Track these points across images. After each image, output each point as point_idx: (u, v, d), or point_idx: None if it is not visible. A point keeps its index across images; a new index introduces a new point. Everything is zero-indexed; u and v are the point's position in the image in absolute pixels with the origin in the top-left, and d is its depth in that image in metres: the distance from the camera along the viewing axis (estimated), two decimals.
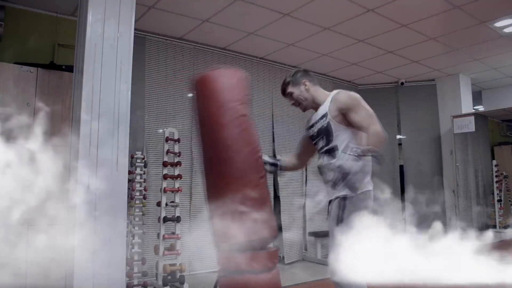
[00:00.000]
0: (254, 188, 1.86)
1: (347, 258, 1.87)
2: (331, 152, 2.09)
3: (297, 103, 2.28)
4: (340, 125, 2.07)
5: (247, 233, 1.78)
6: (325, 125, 2.10)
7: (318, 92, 2.25)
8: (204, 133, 1.97)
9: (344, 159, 1.95)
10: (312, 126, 2.22)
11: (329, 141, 2.10)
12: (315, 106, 2.23)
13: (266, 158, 2.18)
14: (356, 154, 1.89)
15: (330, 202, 2.13)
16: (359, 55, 5.64)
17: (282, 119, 5.73)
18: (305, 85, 2.23)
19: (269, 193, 2.01)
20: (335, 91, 2.19)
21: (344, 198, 2.01)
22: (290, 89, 2.26)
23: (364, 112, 2.01)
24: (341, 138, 2.06)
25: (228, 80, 1.94)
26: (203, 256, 4.51)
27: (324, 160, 2.13)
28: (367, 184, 2.05)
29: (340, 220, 2.00)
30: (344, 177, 1.96)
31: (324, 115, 2.12)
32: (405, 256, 2.17)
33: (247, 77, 2.06)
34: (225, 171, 1.85)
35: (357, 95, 2.11)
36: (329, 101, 2.14)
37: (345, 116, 2.06)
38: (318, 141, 2.19)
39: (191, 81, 2.06)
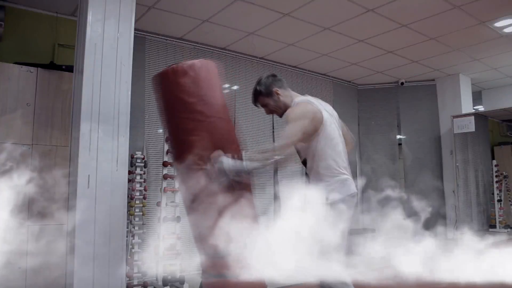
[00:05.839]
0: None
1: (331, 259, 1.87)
2: (305, 164, 2.16)
3: (273, 112, 2.24)
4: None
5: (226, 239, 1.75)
6: None
7: (287, 98, 2.19)
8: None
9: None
10: None
11: (299, 155, 2.16)
12: None
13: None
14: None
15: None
16: (359, 55, 5.64)
17: (283, 119, 5.69)
18: (277, 94, 2.18)
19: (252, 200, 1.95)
20: (293, 105, 2.15)
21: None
22: (263, 100, 2.20)
23: (288, 129, 1.97)
24: (306, 153, 2.10)
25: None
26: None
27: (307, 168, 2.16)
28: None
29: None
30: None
31: None
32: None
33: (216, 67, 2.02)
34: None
35: (293, 112, 2.06)
36: None
37: None
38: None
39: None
